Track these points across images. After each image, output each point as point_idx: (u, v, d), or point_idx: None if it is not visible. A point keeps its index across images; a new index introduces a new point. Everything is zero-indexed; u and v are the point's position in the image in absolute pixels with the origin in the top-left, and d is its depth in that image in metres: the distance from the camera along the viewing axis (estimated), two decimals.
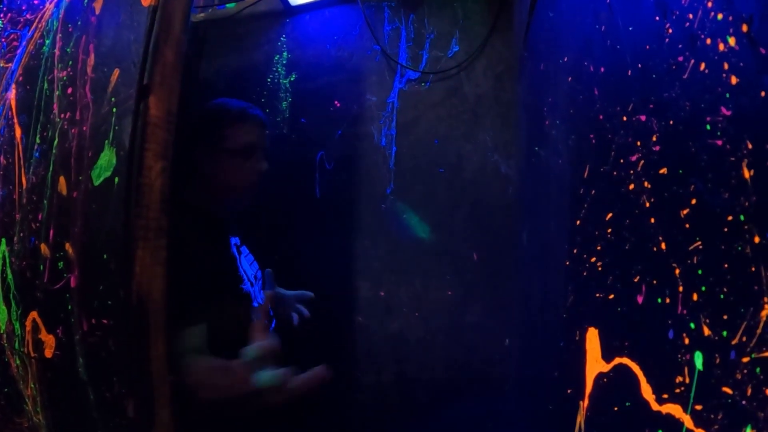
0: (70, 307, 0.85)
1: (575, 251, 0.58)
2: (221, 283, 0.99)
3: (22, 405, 1.06)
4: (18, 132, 1.11)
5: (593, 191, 0.53)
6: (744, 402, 0.25)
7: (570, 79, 0.67)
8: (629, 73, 0.44)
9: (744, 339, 0.25)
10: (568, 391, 0.56)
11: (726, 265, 0.28)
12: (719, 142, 0.29)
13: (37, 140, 1.03)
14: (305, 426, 1.32)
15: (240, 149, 1.06)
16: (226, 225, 1.11)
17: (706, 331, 0.29)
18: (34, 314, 0.95)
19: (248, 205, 1.14)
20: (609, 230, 0.47)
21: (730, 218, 0.27)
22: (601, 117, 0.51)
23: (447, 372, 1.35)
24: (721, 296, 0.28)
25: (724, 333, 0.27)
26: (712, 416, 0.28)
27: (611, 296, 0.45)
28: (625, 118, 0.44)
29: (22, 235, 1.01)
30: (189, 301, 0.90)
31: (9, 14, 1.29)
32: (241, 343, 0.93)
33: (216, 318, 0.93)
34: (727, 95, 0.29)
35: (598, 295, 0.48)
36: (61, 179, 0.92)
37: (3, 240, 1.08)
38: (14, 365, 1.06)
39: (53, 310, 0.90)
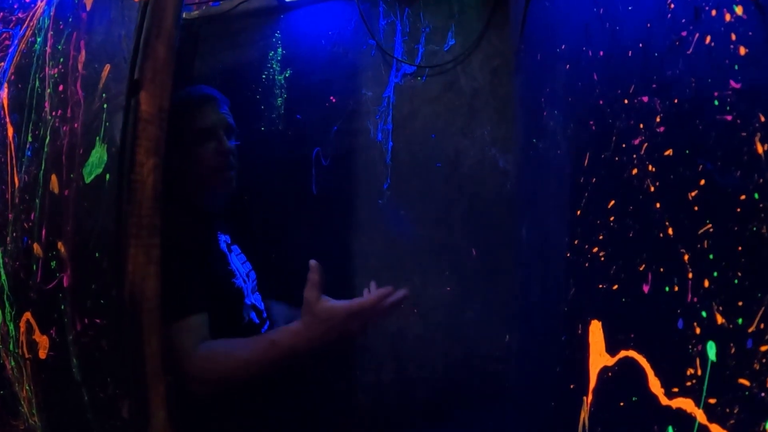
0: (63, 306, 0.84)
1: (576, 242, 0.57)
2: (212, 277, 0.97)
3: (17, 407, 1.05)
4: (10, 131, 1.10)
5: (594, 179, 0.51)
6: (762, 394, 0.23)
7: (568, 66, 0.65)
8: (630, 54, 0.43)
9: (762, 326, 0.23)
10: (571, 386, 0.55)
11: (740, 248, 0.26)
12: (729, 118, 0.28)
13: (29, 139, 1.02)
14: (304, 426, 1.31)
15: (197, 135, 1.03)
16: (213, 220, 1.10)
17: (719, 320, 0.27)
18: (27, 315, 0.94)
19: (233, 193, 1.11)
20: (611, 218, 0.45)
21: (743, 197, 0.26)
22: (600, 102, 0.50)
23: (446, 369, 1.33)
24: (735, 281, 0.26)
25: (740, 320, 0.25)
26: (728, 410, 0.26)
27: (615, 287, 0.44)
28: (626, 101, 0.43)
29: (15, 235, 1.00)
30: (184, 291, 0.89)
31: (1, 13, 1.27)
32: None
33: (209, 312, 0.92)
34: (736, 67, 0.27)
35: (601, 286, 0.47)
36: (53, 177, 0.91)
37: None
38: (9, 367, 1.05)
39: (46, 310, 0.89)
